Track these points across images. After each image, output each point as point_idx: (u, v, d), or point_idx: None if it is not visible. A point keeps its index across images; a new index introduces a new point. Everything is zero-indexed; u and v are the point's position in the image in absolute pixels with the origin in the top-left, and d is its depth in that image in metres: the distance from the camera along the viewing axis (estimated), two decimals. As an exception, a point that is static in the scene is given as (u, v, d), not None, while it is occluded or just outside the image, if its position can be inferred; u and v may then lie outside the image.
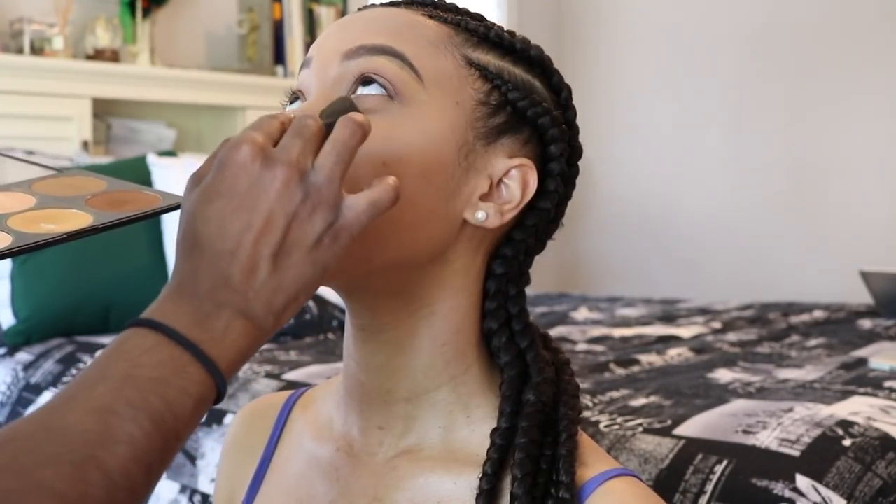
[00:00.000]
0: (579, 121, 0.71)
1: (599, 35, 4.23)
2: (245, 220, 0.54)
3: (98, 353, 0.52)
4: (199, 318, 0.53)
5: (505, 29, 0.69)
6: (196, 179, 0.57)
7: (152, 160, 2.41)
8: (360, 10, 0.69)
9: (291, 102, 0.69)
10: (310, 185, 0.55)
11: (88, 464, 0.47)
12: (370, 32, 0.65)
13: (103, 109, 2.87)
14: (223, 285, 0.53)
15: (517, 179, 0.66)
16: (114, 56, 2.83)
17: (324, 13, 3.35)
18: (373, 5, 0.70)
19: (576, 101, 0.71)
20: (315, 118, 0.57)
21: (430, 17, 0.67)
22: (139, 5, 2.88)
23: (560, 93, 0.70)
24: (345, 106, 0.60)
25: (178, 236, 0.56)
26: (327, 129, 0.58)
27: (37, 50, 2.67)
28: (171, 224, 2.30)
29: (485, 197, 0.65)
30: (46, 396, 1.94)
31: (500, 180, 0.66)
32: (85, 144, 2.70)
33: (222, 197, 0.54)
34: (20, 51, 2.65)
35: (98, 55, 2.81)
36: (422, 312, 0.66)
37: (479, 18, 0.70)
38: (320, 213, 0.55)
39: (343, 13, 3.38)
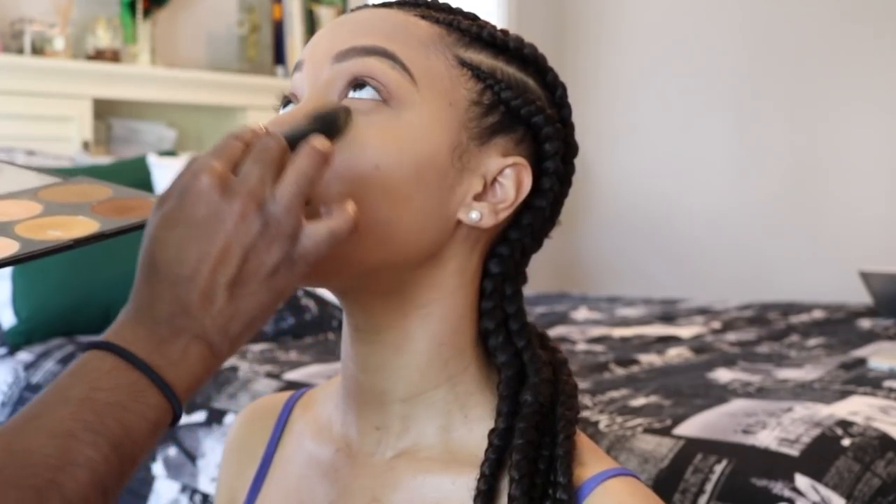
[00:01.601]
0: (579, 120, 0.71)
1: (599, 35, 4.23)
2: (203, 249, 0.54)
3: (59, 375, 0.53)
4: (156, 343, 0.54)
5: (498, 28, 0.69)
6: (160, 203, 0.57)
7: (153, 160, 2.42)
8: (352, 11, 0.69)
9: (284, 105, 0.69)
10: (268, 216, 0.55)
11: (49, 488, 0.48)
12: (361, 34, 0.65)
13: (104, 110, 2.87)
14: (181, 311, 0.54)
15: (511, 178, 0.65)
16: (114, 56, 2.84)
17: (324, 13, 3.35)
18: (365, 6, 0.70)
19: (575, 102, 0.71)
20: (277, 139, 0.58)
21: (423, 17, 0.67)
22: (140, 6, 2.88)
23: (554, 91, 0.69)
24: (330, 113, 0.61)
25: (139, 258, 0.56)
26: (296, 141, 0.58)
27: (37, 50, 2.67)
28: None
29: (479, 197, 0.65)
30: (47, 396, 1.95)
31: (495, 180, 0.66)
32: (85, 145, 2.70)
33: (181, 224, 0.55)
34: (21, 51, 2.65)
35: (99, 55, 2.81)
36: (418, 313, 0.66)
37: (472, 18, 0.69)
38: (278, 244, 0.56)
39: (343, 13, 3.38)
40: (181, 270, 0.54)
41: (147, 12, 2.91)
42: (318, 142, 0.58)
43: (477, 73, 0.66)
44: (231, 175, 0.56)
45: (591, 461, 0.64)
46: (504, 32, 0.68)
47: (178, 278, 0.54)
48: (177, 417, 0.54)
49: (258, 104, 3.07)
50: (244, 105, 3.08)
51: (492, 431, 0.64)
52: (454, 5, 0.71)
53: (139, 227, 0.60)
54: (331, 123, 0.61)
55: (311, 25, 3.33)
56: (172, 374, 0.54)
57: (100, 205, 0.63)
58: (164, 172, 2.38)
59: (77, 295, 2.20)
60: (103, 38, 2.82)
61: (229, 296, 0.55)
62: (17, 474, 0.48)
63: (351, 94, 0.64)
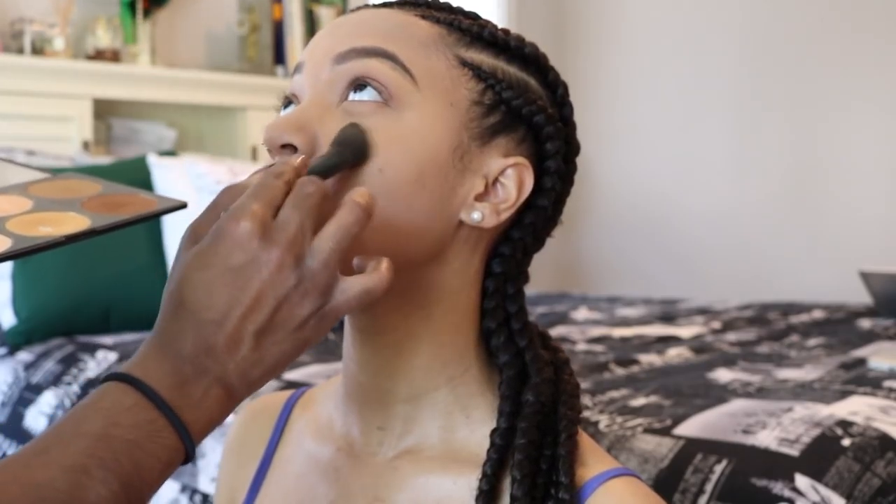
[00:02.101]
0: (579, 120, 0.71)
1: (599, 35, 4.23)
2: (235, 295, 0.54)
3: (77, 406, 0.53)
4: (179, 382, 0.53)
5: (499, 27, 0.69)
6: (192, 237, 0.57)
7: (153, 160, 2.42)
8: (352, 11, 0.69)
9: (285, 106, 0.69)
10: (305, 270, 0.55)
11: None
12: (361, 34, 0.65)
13: (104, 110, 2.87)
14: (206, 353, 0.54)
15: (513, 178, 0.65)
16: (114, 56, 2.84)
17: (324, 13, 3.35)
18: (365, 6, 0.69)
19: (576, 101, 0.71)
20: (317, 185, 0.57)
21: (423, 17, 0.67)
22: (140, 6, 2.88)
23: (556, 90, 0.69)
24: (357, 139, 0.61)
25: (167, 290, 0.56)
26: (330, 173, 0.58)
27: (37, 50, 2.67)
28: (171, 224, 2.31)
29: (480, 197, 0.65)
30: (47, 396, 1.95)
31: (496, 180, 0.65)
32: (85, 145, 2.70)
33: (215, 267, 0.54)
34: (21, 51, 2.65)
35: (99, 55, 2.81)
36: (420, 314, 0.66)
37: (473, 17, 0.69)
38: (311, 298, 0.55)
39: (343, 13, 3.38)
40: (210, 314, 0.54)
41: (147, 12, 2.91)
42: (362, 196, 0.57)
43: (478, 72, 0.65)
44: (271, 221, 0.55)
45: (592, 461, 0.64)
46: (505, 32, 0.68)
47: (206, 320, 0.54)
48: (188, 459, 0.54)
49: (258, 104, 3.07)
50: (244, 105, 3.08)
51: (493, 431, 0.64)
52: (454, 5, 0.71)
53: (131, 223, 0.60)
54: (359, 151, 0.61)
55: (311, 25, 3.33)
56: (191, 415, 0.53)
57: (90, 200, 0.62)
58: (163, 172, 2.38)
59: (77, 295, 2.20)
60: (103, 38, 2.82)
61: (256, 344, 0.55)
62: None
63: (351, 95, 0.64)
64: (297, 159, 0.59)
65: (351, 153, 0.61)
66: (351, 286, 0.57)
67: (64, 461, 0.49)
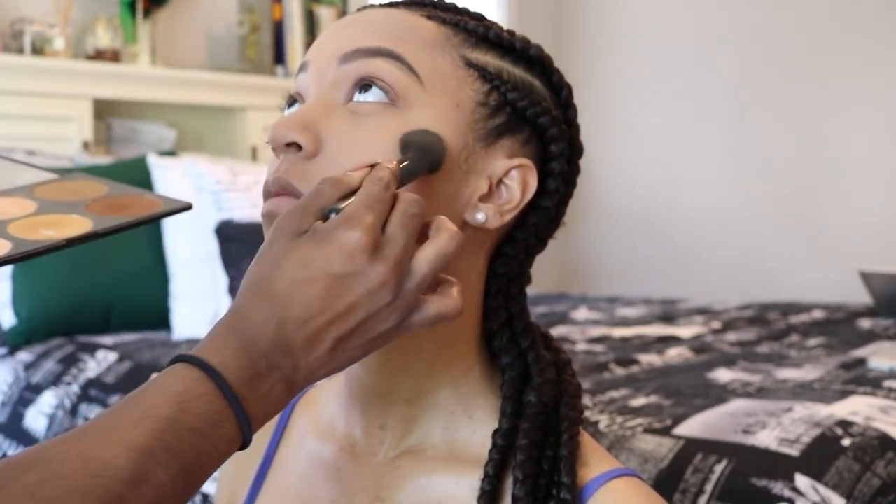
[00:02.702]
0: (580, 121, 0.71)
1: (599, 35, 4.24)
2: (329, 303, 0.55)
3: (146, 385, 0.53)
4: (251, 375, 0.54)
5: (504, 28, 0.69)
6: (293, 226, 0.56)
7: (153, 160, 2.42)
8: (357, 10, 0.69)
9: (289, 105, 0.69)
10: (401, 291, 0.56)
11: (115, 502, 0.48)
12: (367, 35, 0.64)
13: (104, 110, 2.87)
14: (282, 349, 0.54)
15: (517, 180, 0.65)
16: (114, 56, 2.84)
17: (324, 13, 3.35)
18: (370, 6, 0.69)
19: (577, 102, 0.71)
20: (421, 205, 0.58)
21: (429, 17, 0.67)
22: (140, 6, 2.88)
23: (560, 91, 0.69)
24: (436, 149, 0.62)
25: (254, 273, 0.56)
26: (412, 179, 0.60)
27: (37, 50, 2.67)
28: (171, 224, 2.31)
29: (484, 198, 0.65)
30: (47, 396, 1.95)
31: (500, 181, 0.65)
32: (85, 145, 2.70)
33: (317, 270, 0.55)
34: (21, 51, 2.65)
35: (99, 55, 2.81)
36: (422, 314, 0.66)
37: (479, 18, 0.69)
38: (396, 315, 0.57)
39: (343, 13, 3.39)
40: (298, 312, 0.54)
41: (147, 12, 2.91)
42: (452, 225, 0.59)
43: (483, 73, 0.65)
44: (381, 236, 0.56)
45: (594, 461, 0.64)
46: (510, 33, 0.68)
47: (292, 318, 0.54)
48: (243, 448, 0.54)
49: (258, 104, 3.07)
50: (244, 105, 3.08)
51: (496, 432, 0.65)
52: (459, 5, 0.71)
53: (132, 226, 0.60)
54: (438, 161, 0.62)
55: (311, 26, 3.33)
56: (255, 409, 0.54)
57: (94, 202, 0.62)
58: (163, 172, 2.38)
59: (77, 295, 2.20)
60: (103, 38, 2.82)
61: (332, 348, 0.56)
62: (86, 483, 0.47)
63: (357, 95, 0.64)
64: (394, 165, 0.59)
65: (429, 161, 0.61)
66: (428, 308, 0.58)
67: (130, 440, 0.49)
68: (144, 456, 0.49)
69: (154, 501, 0.49)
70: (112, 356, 1.99)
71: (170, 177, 2.37)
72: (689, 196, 4.00)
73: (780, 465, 1.18)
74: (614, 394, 1.52)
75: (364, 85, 0.63)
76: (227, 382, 0.53)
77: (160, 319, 2.26)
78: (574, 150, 0.69)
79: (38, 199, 0.63)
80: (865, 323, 2.45)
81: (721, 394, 1.51)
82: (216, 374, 0.53)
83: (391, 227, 0.56)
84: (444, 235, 0.58)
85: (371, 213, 0.56)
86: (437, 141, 0.62)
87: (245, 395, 0.53)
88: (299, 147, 0.62)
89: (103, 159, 2.64)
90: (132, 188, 0.65)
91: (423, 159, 0.61)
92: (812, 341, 2.15)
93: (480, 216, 0.65)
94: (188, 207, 0.62)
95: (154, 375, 0.54)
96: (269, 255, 0.56)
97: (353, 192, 0.58)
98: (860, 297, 2.97)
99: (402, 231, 0.56)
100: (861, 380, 1.62)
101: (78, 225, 0.59)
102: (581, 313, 2.69)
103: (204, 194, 2.31)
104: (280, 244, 0.56)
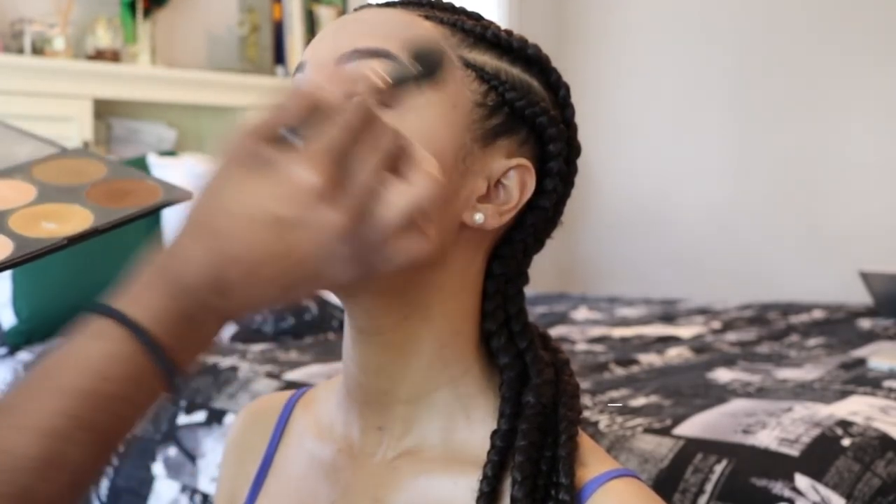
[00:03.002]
0: (578, 121, 0.71)
1: (599, 35, 4.23)
2: (274, 247, 0.48)
3: (59, 351, 0.48)
4: (178, 320, 0.48)
5: (502, 28, 0.69)
6: (245, 147, 0.50)
7: (153, 160, 2.42)
8: (355, 10, 0.69)
9: None
10: (360, 242, 0.49)
11: (26, 496, 0.44)
12: (364, 35, 0.64)
13: (104, 110, 2.87)
14: (217, 291, 0.49)
15: (515, 180, 0.65)
16: (114, 56, 2.84)
17: (324, 13, 3.35)
18: (368, 6, 0.69)
19: (575, 101, 0.71)
20: (397, 138, 0.51)
21: (426, 17, 0.66)
22: (140, 6, 2.88)
23: (558, 91, 0.69)
24: (434, 54, 0.57)
25: (194, 203, 0.50)
26: (402, 84, 0.54)
27: (37, 50, 2.67)
28: (171, 223, 2.31)
29: (482, 198, 0.65)
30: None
31: (498, 181, 0.65)
32: (86, 145, 2.70)
33: (259, 208, 0.48)
34: (21, 51, 2.65)
35: (99, 55, 2.81)
36: (420, 315, 0.66)
37: (476, 17, 0.69)
38: (351, 269, 0.50)
39: (343, 13, 3.38)
40: (239, 250, 0.48)
41: (147, 12, 2.91)
42: (436, 168, 0.53)
43: (481, 73, 0.65)
44: (340, 177, 0.48)
45: (593, 462, 0.64)
46: (508, 33, 0.68)
47: (231, 257, 0.48)
48: (173, 402, 0.51)
49: (258, 104, 3.06)
50: (244, 105, 3.08)
51: (494, 433, 0.64)
52: (457, 5, 0.70)
53: (132, 219, 0.60)
54: (434, 67, 0.57)
55: (311, 25, 3.33)
56: (183, 356, 0.49)
57: (94, 188, 0.62)
58: (163, 172, 2.38)
59: (77, 295, 2.20)
60: (103, 38, 2.82)
61: (277, 293, 0.50)
62: None
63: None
64: (383, 79, 0.55)
65: (424, 67, 0.57)
66: (395, 254, 0.51)
67: (40, 424, 0.45)
68: (56, 440, 0.45)
69: (70, 484, 0.46)
70: (112, 356, 1.99)
71: (170, 177, 2.36)
72: (689, 196, 4.00)
73: (780, 465, 1.18)
74: (614, 394, 1.52)
75: None
76: (154, 339, 0.47)
77: (160, 319, 2.26)
78: (572, 149, 0.69)
79: (37, 182, 0.62)
80: (865, 323, 2.45)
81: (721, 394, 1.51)
82: (142, 333, 0.47)
83: (357, 165, 0.49)
84: (420, 180, 0.51)
85: (334, 149, 0.49)
86: (439, 48, 0.60)
87: (172, 345, 0.48)
88: None
89: (103, 159, 2.64)
90: (131, 170, 0.65)
91: (416, 68, 0.56)
92: (812, 341, 2.15)
93: (479, 217, 0.64)
94: (189, 197, 0.61)
95: (73, 331, 0.49)
96: (215, 185, 0.50)
97: (322, 115, 0.50)
98: (860, 297, 2.97)
99: (370, 172, 0.49)
100: (861, 380, 1.62)
101: (79, 217, 0.59)
102: (581, 313, 2.69)
103: (204, 194, 2.31)
104: (228, 173, 0.50)
